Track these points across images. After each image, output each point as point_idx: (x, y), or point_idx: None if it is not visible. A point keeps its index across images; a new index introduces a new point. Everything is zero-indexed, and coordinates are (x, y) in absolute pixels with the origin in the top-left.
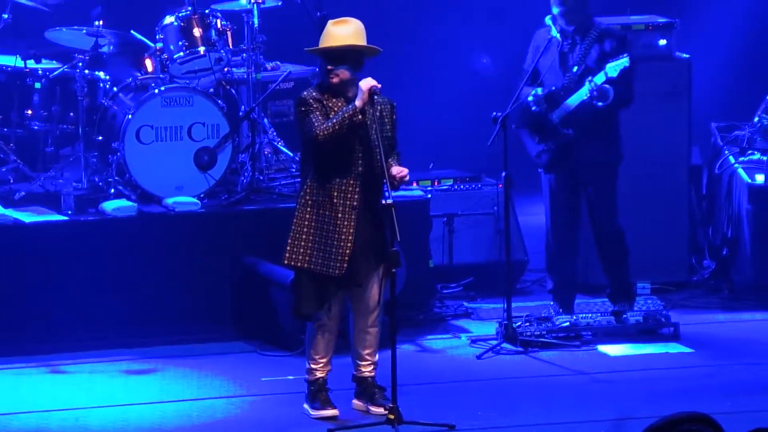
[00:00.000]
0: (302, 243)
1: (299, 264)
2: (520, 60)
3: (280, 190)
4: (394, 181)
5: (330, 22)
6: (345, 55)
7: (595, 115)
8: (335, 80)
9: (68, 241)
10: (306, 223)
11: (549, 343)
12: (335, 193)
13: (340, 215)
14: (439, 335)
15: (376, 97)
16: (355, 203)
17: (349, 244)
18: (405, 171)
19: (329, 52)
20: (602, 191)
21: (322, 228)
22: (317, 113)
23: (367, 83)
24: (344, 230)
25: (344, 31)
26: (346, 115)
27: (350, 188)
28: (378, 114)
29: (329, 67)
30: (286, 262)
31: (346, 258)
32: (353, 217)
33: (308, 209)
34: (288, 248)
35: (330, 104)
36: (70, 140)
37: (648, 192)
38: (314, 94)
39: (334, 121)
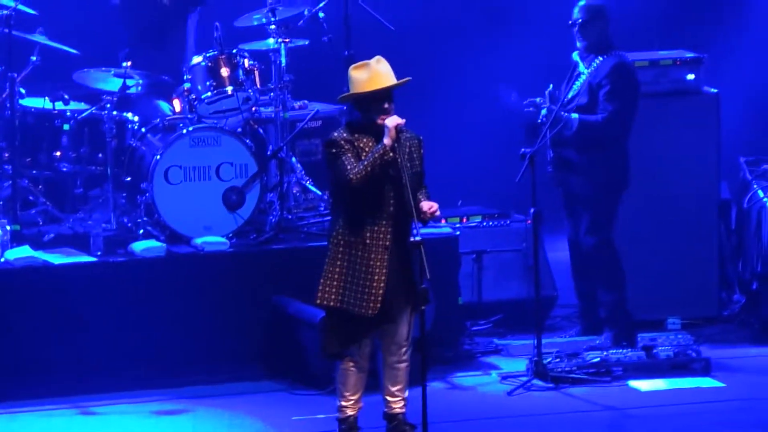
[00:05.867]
0: (335, 283)
1: (332, 303)
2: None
3: (309, 228)
4: (424, 216)
5: (360, 65)
6: (391, 92)
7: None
8: (386, 118)
9: (97, 282)
10: (338, 263)
11: (580, 379)
12: (368, 234)
13: (372, 255)
14: (469, 372)
15: (402, 133)
16: (387, 243)
17: (382, 284)
18: (435, 206)
19: (385, 91)
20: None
21: (355, 268)
22: (349, 155)
23: (392, 121)
24: (377, 270)
25: (387, 69)
26: (376, 155)
27: (382, 228)
28: (407, 150)
29: (386, 105)
30: (318, 301)
31: (380, 298)
32: (386, 256)
33: (340, 249)
34: (320, 288)
35: (361, 144)
36: (98, 181)
37: (677, 226)
38: (344, 134)
39: (366, 163)
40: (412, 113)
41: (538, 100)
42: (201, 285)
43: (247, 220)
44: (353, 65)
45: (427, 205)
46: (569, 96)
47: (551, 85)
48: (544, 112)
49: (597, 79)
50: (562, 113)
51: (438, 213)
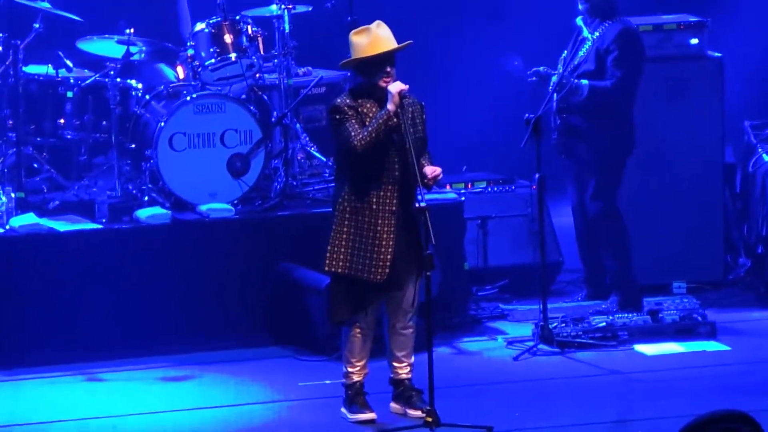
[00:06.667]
0: (342, 249)
1: (340, 270)
2: (551, 62)
3: (314, 195)
4: (427, 180)
5: (360, 30)
6: (393, 55)
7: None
8: (390, 81)
9: (103, 249)
10: (345, 229)
11: (585, 344)
12: (374, 199)
13: (379, 221)
14: (475, 337)
15: (405, 99)
16: (393, 208)
17: (390, 250)
18: (438, 170)
19: (386, 55)
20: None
21: (362, 234)
22: (353, 120)
23: (396, 87)
24: (384, 236)
25: (387, 33)
26: (380, 120)
27: (388, 193)
28: (410, 115)
29: (388, 69)
30: (326, 268)
31: (388, 263)
32: (392, 222)
33: (347, 215)
34: (328, 255)
35: (365, 110)
36: (103, 149)
37: (682, 191)
38: (348, 100)
39: (369, 129)
40: (416, 79)
41: (542, 69)
42: (206, 252)
43: (252, 186)
44: (354, 30)
45: (430, 170)
46: (575, 62)
47: (566, 51)
48: (554, 78)
49: (604, 45)
50: (572, 80)
51: (441, 177)
